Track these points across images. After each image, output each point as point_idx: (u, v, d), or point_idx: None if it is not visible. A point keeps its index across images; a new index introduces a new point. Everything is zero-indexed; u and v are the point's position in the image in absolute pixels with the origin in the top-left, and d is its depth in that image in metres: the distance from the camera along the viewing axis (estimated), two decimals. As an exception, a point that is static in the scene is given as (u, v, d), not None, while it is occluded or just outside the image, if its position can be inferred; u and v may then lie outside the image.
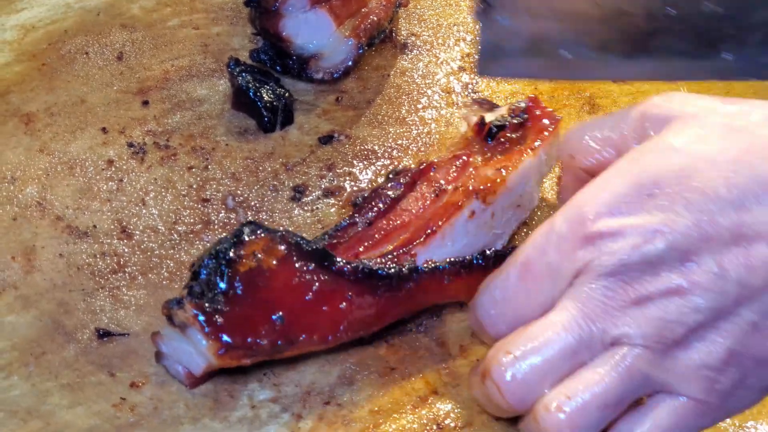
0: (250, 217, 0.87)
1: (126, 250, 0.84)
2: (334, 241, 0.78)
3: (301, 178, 0.91)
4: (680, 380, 0.63)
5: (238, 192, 0.89)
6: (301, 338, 0.71)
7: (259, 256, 0.69)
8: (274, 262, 0.70)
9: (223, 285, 0.69)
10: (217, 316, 0.68)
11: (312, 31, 0.94)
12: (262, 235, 0.70)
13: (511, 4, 0.84)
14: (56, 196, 0.87)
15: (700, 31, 0.84)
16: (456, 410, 0.75)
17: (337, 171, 0.91)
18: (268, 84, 0.94)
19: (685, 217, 0.61)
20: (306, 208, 0.88)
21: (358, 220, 0.80)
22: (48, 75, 0.96)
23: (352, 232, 0.80)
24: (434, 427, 0.74)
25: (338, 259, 0.72)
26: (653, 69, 0.87)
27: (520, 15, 0.84)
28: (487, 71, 0.89)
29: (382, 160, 0.92)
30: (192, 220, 0.86)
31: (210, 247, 0.71)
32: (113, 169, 0.89)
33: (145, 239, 0.85)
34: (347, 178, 0.91)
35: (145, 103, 0.95)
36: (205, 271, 0.70)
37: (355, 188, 0.90)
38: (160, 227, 0.86)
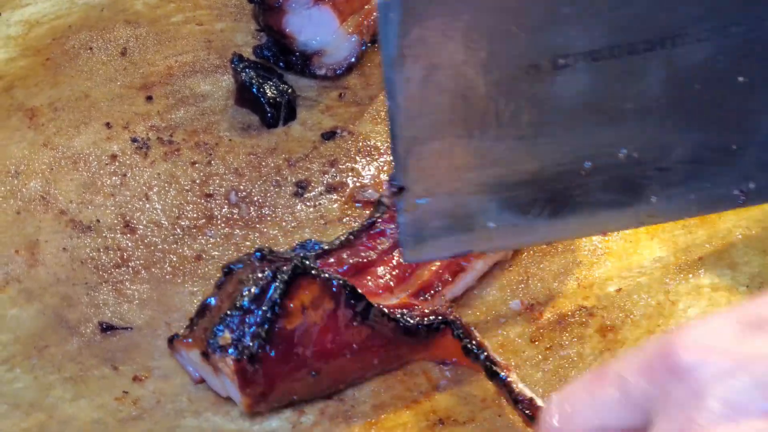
0: (252, 213, 0.88)
1: (129, 244, 0.85)
2: (360, 248, 0.81)
3: (303, 173, 0.91)
4: None
5: (241, 187, 0.90)
6: (329, 386, 0.74)
7: (308, 311, 0.70)
8: (322, 318, 0.71)
9: (267, 344, 0.69)
10: (257, 376, 0.69)
11: (315, 28, 0.95)
12: (312, 282, 0.70)
13: (425, 183, 0.78)
14: (60, 190, 0.88)
15: (622, 178, 0.83)
16: (458, 406, 0.75)
17: (340, 167, 0.92)
18: (272, 80, 0.95)
19: None
20: (308, 203, 0.89)
21: (379, 223, 0.82)
22: (52, 70, 0.97)
23: (376, 242, 0.82)
24: (437, 422, 0.74)
25: (380, 312, 0.73)
26: (580, 224, 0.86)
27: (435, 192, 0.79)
28: (413, 257, 0.83)
29: (385, 156, 0.93)
30: (195, 215, 0.87)
31: (254, 275, 0.71)
32: (117, 164, 0.90)
33: (149, 234, 0.86)
34: (350, 174, 0.92)
35: (149, 98, 0.96)
36: (247, 316, 0.70)
37: (357, 184, 0.91)
38: (163, 222, 0.87)
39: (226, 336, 0.69)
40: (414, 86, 0.71)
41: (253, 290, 0.69)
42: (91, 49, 0.99)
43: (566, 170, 0.82)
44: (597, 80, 0.75)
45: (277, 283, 0.68)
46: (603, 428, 0.63)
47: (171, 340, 0.75)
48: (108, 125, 0.93)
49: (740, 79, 0.78)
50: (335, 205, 0.88)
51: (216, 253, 0.85)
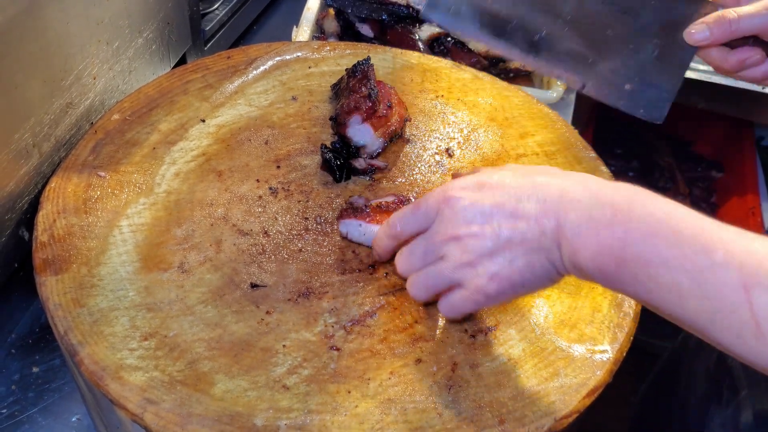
0: (327, 228, 0.88)
1: (265, 242, 0.86)
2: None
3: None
4: (467, 282, 0.66)
5: (322, 214, 0.91)
6: None
7: None
8: None
9: None
10: None
11: (362, 135, 0.97)
12: None
13: None
14: (233, 214, 0.89)
15: (565, 49, 0.82)
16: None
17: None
18: (339, 159, 0.96)
19: (491, 200, 0.63)
20: (357, 223, 0.89)
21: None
22: (230, 151, 0.99)
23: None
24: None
25: None
26: (521, 56, 0.84)
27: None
28: (427, 13, 0.83)
29: (392, 195, 0.91)
30: (299, 228, 0.88)
31: None
32: (261, 200, 0.92)
33: (276, 237, 0.87)
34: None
35: (278, 167, 0.97)
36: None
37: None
38: (283, 231, 0.88)
39: None
40: None
41: None
42: (249, 140, 1.00)
43: (524, 31, 0.85)
44: None
45: None
46: (411, 232, 0.71)
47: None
48: (257, 180, 0.94)
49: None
50: (370, 224, 0.88)
51: (310, 248, 0.85)
